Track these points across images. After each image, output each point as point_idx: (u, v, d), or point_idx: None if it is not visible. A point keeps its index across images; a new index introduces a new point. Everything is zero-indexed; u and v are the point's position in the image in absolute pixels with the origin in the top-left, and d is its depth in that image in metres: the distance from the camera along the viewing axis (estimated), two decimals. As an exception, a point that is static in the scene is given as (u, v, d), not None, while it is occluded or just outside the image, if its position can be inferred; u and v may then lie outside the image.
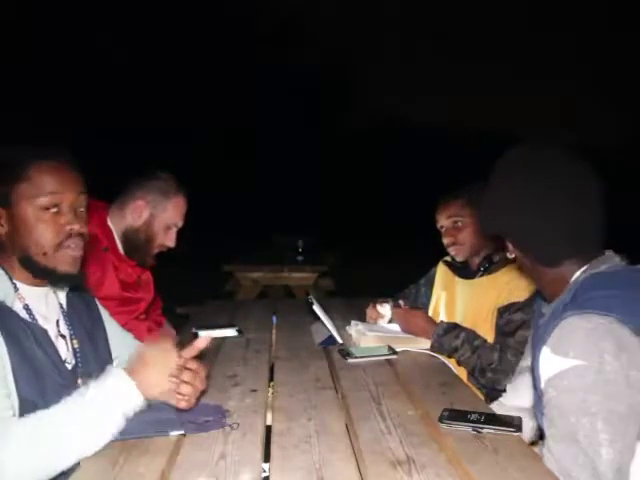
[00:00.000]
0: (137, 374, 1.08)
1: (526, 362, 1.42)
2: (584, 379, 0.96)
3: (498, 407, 1.46)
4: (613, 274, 1.09)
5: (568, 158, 1.13)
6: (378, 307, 2.04)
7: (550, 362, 1.02)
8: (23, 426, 0.98)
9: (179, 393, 1.12)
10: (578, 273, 1.12)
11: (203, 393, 1.21)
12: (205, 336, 1.23)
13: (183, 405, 1.13)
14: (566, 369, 0.98)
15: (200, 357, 1.20)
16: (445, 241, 1.96)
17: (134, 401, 1.07)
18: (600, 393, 0.95)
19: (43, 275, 1.15)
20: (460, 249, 1.93)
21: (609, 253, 1.14)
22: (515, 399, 1.44)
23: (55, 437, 0.98)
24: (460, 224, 1.91)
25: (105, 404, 1.04)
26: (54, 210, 1.12)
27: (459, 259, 1.96)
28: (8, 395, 1.02)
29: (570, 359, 0.98)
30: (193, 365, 1.14)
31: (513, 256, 1.22)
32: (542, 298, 1.27)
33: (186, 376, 1.12)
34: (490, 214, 1.22)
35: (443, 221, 1.95)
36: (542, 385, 1.06)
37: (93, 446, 1.01)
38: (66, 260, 1.14)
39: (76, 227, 1.14)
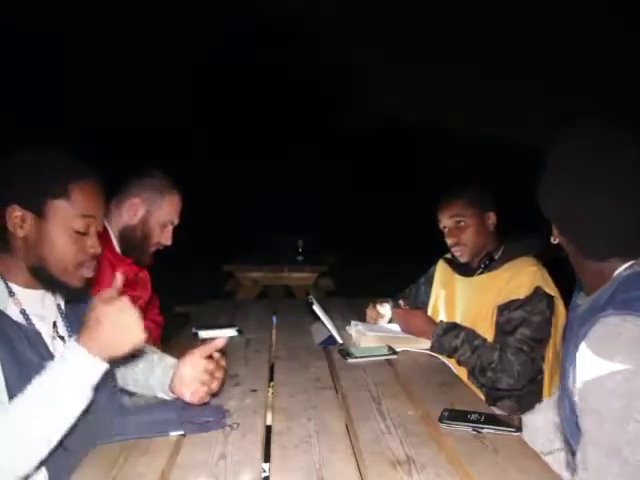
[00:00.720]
0: (88, 338, 1.02)
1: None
2: (631, 384, 0.90)
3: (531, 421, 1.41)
4: None
5: (634, 149, 1.05)
6: (378, 307, 2.04)
7: (591, 364, 0.96)
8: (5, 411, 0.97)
9: (208, 388, 1.20)
10: (622, 268, 1.05)
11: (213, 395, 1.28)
12: (222, 337, 1.27)
13: (198, 400, 1.20)
14: (611, 373, 0.92)
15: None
16: (448, 241, 1.96)
17: (90, 369, 1.03)
18: None
19: (50, 284, 1.16)
20: (463, 249, 1.92)
21: None
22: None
23: (22, 421, 0.97)
24: (463, 224, 1.90)
25: (60, 379, 1.00)
26: (84, 231, 1.14)
27: (463, 260, 1.95)
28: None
29: (616, 363, 0.92)
30: (223, 363, 1.23)
31: (557, 241, 1.15)
32: (579, 287, 1.19)
33: (218, 373, 1.22)
34: (544, 196, 1.14)
35: (445, 221, 1.95)
36: (577, 385, 0.99)
37: (63, 423, 0.99)
38: (81, 278, 1.16)
39: (98, 250, 1.17)
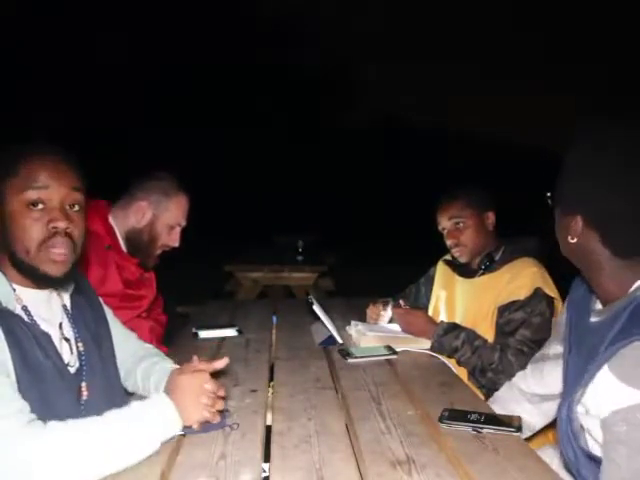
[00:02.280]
0: (176, 401, 1.09)
1: (552, 350, 1.38)
2: None
3: (508, 389, 1.47)
4: None
5: None
6: (378, 308, 2.04)
7: (621, 393, 0.92)
8: (62, 430, 0.96)
9: (214, 410, 1.16)
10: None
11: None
12: (224, 360, 1.25)
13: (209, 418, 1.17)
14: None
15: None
16: (448, 243, 1.96)
17: (175, 428, 1.09)
18: None
19: (27, 274, 1.11)
20: (463, 250, 1.92)
21: None
22: (536, 386, 1.41)
23: (90, 447, 0.96)
24: (462, 225, 1.90)
25: (149, 426, 1.04)
26: (40, 207, 1.08)
27: (463, 260, 1.95)
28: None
29: None
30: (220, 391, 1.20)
31: (575, 240, 1.07)
32: (589, 291, 1.15)
33: (221, 392, 1.19)
34: (573, 188, 1.07)
35: (444, 223, 1.95)
36: (603, 414, 0.96)
37: (123, 463, 0.98)
38: (48, 260, 1.09)
39: (62, 225, 1.08)
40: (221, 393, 1.19)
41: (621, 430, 0.92)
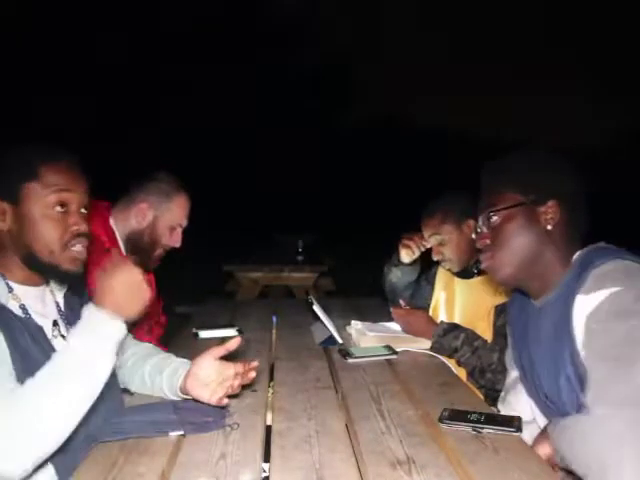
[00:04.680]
0: (105, 301, 1.07)
1: (510, 378, 1.41)
2: (625, 298, 0.95)
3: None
4: (619, 249, 1.10)
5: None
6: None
7: (588, 300, 1.01)
8: (22, 393, 0.98)
9: (224, 389, 1.20)
10: (579, 253, 1.13)
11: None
12: (236, 338, 1.27)
13: (217, 401, 1.19)
14: (607, 296, 0.97)
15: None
16: (434, 258, 2.00)
17: (116, 328, 1.08)
18: None
19: (44, 272, 1.15)
20: (450, 263, 1.97)
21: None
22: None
23: (55, 393, 0.98)
24: (443, 240, 1.94)
25: (89, 341, 1.04)
26: (62, 209, 1.13)
27: (454, 270, 1.99)
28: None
29: (609, 288, 0.97)
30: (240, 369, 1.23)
31: (550, 228, 1.16)
32: (524, 301, 1.26)
33: (239, 379, 1.22)
34: (547, 177, 1.18)
35: (427, 237, 2.00)
36: (580, 330, 1.03)
37: (95, 387, 1.03)
38: (71, 259, 1.15)
39: (82, 228, 1.15)
40: (244, 373, 1.23)
41: (595, 328, 1.00)
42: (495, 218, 1.19)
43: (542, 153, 1.22)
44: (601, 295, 0.98)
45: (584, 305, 1.02)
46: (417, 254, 2.15)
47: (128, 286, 1.09)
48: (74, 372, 1.01)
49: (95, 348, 1.04)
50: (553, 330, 1.14)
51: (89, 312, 1.07)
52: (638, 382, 0.89)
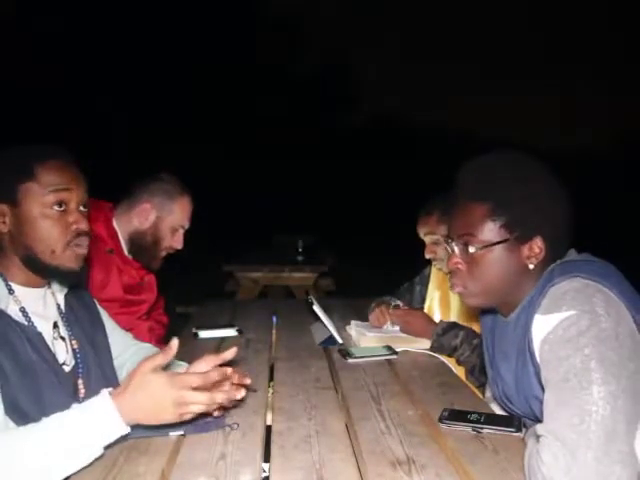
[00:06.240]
0: (122, 398, 0.99)
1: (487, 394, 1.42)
2: (578, 325, 0.95)
3: None
4: (584, 261, 1.09)
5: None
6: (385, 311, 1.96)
7: (544, 322, 1.01)
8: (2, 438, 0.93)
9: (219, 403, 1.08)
10: (551, 266, 1.10)
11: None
12: (232, 350, 1.17)
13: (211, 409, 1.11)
14: (561, 320, 0.97)
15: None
16: (426, 256, 1.99)
17: (115, 431, 0.99)
18: (594, 337, 0.93)
19: (45, 272, 1.15)
20: (442, 263, 1.95)
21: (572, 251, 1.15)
22: None
23: (28, 458, 0.91)
24: (438, 240, 1.93)
25: (84, 432, 0.96)
26: (61, 208, 1.12)
27: (446, 270, 1.96)
28: None
29: (563, 312, 0.97)
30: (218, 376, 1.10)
31: (533, 266, 1.10)
32: (495, 320, 1.25)
33: (227, 386, 1.11)
34: (529, 211, 1.09)
35: (422, 236, 1.99)
36: (537, 354, 1.04)
37: (63, 472, 0.94)
38: (72, 257, 1.14)
39: (83, 226, 1.14)
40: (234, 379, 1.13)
41: (545, 349, 1.00)
42: (473, 249, 1.11)
43: (530, 177, 1.11)
44: (555, 319, 0.98)
45: (541, 327, 1.02)
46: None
47: (157, 399, 1.00)
48: (58, 448, 0.92)
49: (89, 439, 0.96)
50: (516, 350, 1.14)
51: (101, 398, 0.99)
52: (584, 409, 0.88)
